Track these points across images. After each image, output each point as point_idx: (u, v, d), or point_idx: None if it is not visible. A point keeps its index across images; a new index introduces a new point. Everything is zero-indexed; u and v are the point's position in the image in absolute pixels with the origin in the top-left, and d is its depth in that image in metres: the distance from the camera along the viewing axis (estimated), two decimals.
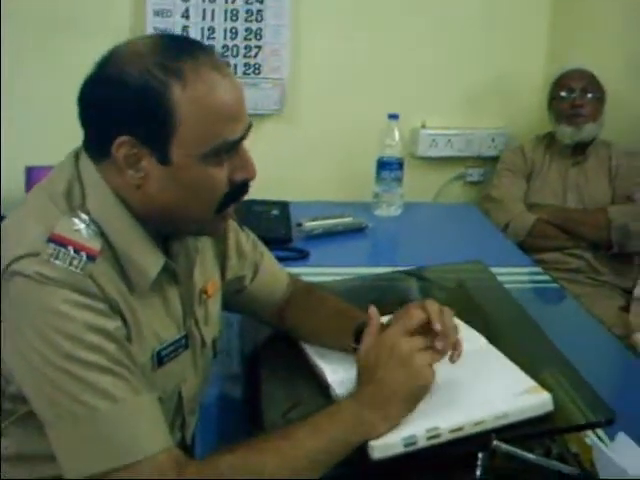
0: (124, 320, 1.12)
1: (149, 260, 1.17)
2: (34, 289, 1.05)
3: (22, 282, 1.05)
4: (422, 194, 3.05)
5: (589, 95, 2.77)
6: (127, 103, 1.09)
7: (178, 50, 1.11)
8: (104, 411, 1.04)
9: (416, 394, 1.17)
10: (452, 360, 1.21)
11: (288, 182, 2.85)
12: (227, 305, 1.47)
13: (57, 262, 1.06)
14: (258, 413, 1.32)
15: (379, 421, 1.14)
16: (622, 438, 1.20)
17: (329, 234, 2.39)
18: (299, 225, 2.38)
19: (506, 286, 1.80)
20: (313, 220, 2.41)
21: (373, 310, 1.29)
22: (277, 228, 2.36)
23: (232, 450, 1.10)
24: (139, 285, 1.15)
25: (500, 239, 2.54)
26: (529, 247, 2.64)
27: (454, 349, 1.21)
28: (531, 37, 3.09)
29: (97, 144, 1.14)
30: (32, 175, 2.63)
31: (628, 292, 2.71)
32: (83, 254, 1.08)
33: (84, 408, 1.03)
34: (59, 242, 1.07)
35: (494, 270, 1.88)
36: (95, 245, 1.10)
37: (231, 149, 1.14)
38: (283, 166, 2.92)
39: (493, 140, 3.13)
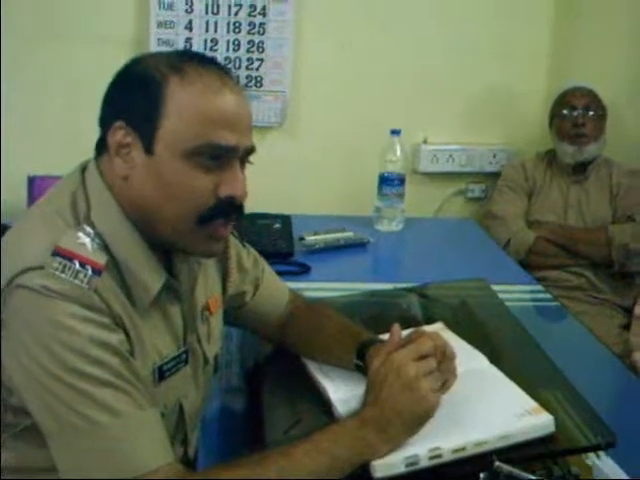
0: (127, 335, 1.12)
1: (151, 275, 1.16)
2: (39, 302, 1.04)
3: (26, 295, 1.05)
4: (423, 209, 3.06)
5: (591, 113, 2.77)
6: (127, 90, 1.14)
7: (190, 57, 1.15)
8: (106, 425, 1.03)
9: (419, 418, 1.16)
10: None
11: (289, 195, 2.86)
12: (228, 320, 1.47)
13: (62, 276, 1.05)
14: (260, 430, 1.31)
15: (380, 443, 1.13)
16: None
17: (330, 248, 2.39)
18: (301, 239, 2.38)
19: (507, 304, 1.80)
20: (315, 234, 2.41)
21: (396, 328, 1.29)
22: (279, 242, 2.36)
23: (232, 465, 1.10)
24: (141, 301, 1.15)
25: (501, 256, 2.54)
26: (530, 264, 2.64)
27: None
28: (533, 53, 3.10)
29: (101, 135, 1.17)
30: (34, 184, 2.62)
31: (628, 311, 2.70)
32: (89, 268, 1.07)
33: (86, 421, 1.03)
34: (65, 256, 1.07)
35: (495, 288, 1.88)
36: (100, 259, 1.09)
37: (218, 156, 1.12)
38: (284, 179, 2.93)
39: (494, 156, 3.14)
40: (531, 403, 1.24)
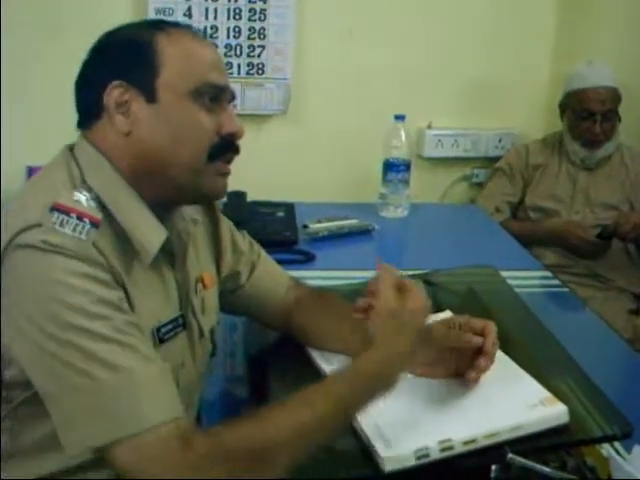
0: (126, 293, 1.11)
1: (151, 233, 1.17)
2: (38, 259, 1.04)
3: (26, 253, 1.04)
4: (428, 195, 3.02)
5: (609, 118, 2.70)
6: (116, 53, 1.18)
7: (164, 22, 1.22)
8: (107, 380, 1.01)
9: (413, 319, 1.20)
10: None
11: (292, 183, 2.83)
12: (228, 306, 1.46)
13: (61, 229, 1.05)
14: None
15: (395, 356, 1.16)
16: (639, 451, 1.17)
17: (335, 236, 2.36)
18: (305, 227, 2.35)
19: (515, 290, 1.77)
20: (319, 222, 2.37)
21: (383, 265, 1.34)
22: (283, 230, 2.32)
23: (243, 420, 1.07)
24: (139, 260, 1.15)
25: (508, 241, 2.50)
26: None
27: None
28: (537, 37, 3.06)
29: (90, 105, 1.18)
30: (33, 174, 2.58)
31: (637, 296, 2.69)
32: (86, 221, 1.08)
33: (86, 378, 1.01)
34: (62, 210, 1.07)
35: (502, 274, 1.85)
36: (97, 214, 1.10)
37: (215, 97, 1.19)
38: (287, 167, 2.90)
39: (500, 140, 3.11)
40: (545, 393, 1.22)
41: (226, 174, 1.24)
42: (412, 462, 1.10)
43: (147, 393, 1.03)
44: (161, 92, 1.16)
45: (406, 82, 2.97)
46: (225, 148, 1.21)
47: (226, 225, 1.45)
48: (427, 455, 1.11)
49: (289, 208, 2.50)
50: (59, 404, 1.04)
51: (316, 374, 1.37)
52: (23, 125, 2.70)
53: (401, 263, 2.23)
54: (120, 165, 1.16)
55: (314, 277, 1.88)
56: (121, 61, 1.17)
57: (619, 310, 2.58)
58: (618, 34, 2.85)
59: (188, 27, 1.23)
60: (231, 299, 1.47)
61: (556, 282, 2.14)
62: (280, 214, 2.44)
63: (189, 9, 2.78)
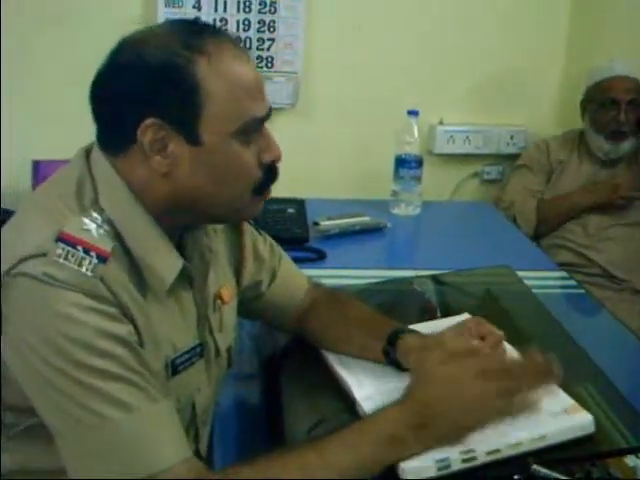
0: (135, 326, 1.06)
1: (166, 263, 1.12)
2: (41, 292, 0.99)
3: (28, 284, 1.00)
4: (438, 192, 2.99)
5: (634, 109, 2.67)
6: (150, 83, 1.05)
7: (196, 29, 1.09)
8: (116, 420, 0.99)
9: (467, 426, 1.10)
10: None
11: (302, 178, 2.78)
12: (245, 312, 1.42)
13: (66, 263, 1.00)
14: (279, 427, 1.26)
15: (415, 441, 1.07)
16: None
17: (346, 234, 2.32)
18: (316, 224, 2.31)
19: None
20: (330, 219, 2.34)
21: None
22: (293, 227, 2.29)
23: (254, 462, 1.05)
24: (155, 290, 1.10)
25: (521, 240, 2.48)
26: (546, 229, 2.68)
27: None
28: (551, 34, 3.02)
29: (117, 135, 1.09)
30: (38, 169, 2.60)
31: None
32: (94, 255, 1.02)
33: (95, 417, 0.98)
34: (68, 242, 1.02)
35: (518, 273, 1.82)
36: (106, 246, 1.04)
37: (258, 128, 1.11)
38: (297, 162, 2.83)
39: (512, 137, 3.06)
40: (569, 401, 1.18)
41: (266, 199, 1.19)
42: (433, 473, 1.07)
43: (159, 433, 1.02)
44: (205, 134, 1.06)
45: (417, 77, 2.93)
46: (270, 177, 1.15)
47: (249, 232, 1.39)
48: (448, 466, 1.07)
49: (299, 204, 2.46)
50: (67, 442, 1.01)
51: (333, 383, 1.33)
52: (29, 118, 2.67)
53: (414, 262, 2.22)
54: (146, 197, 1.10)
55: (325, 276, 1.84)
56: (156, 93, 1.05)
57: (633, 311, 2.54)
58: (632, 33, 2.81)
59: (224, 35, 1.11)
60: (249, 306, 1.43)
61: (572, 283, 2.11)
62: (290, 211, 2.41)
63: (198, 1, 2.74)
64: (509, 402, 1.12)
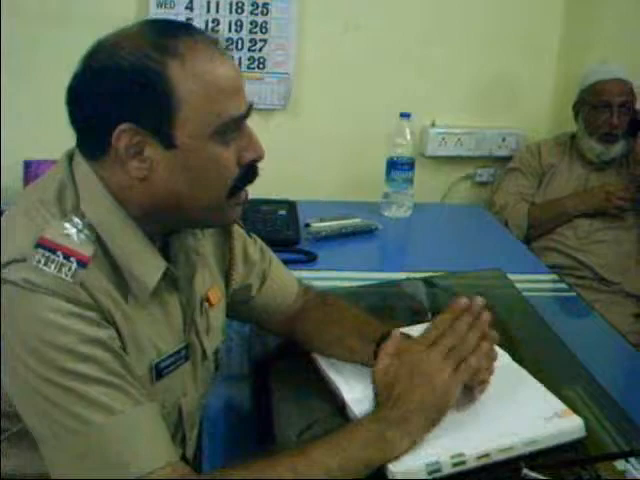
0: (118, 331, 1.06)
1: (148, 266, 1.10)
2: (21, 297, 0.99)
3: (9, 290, 0.99)
4: (429, 194, 2.98)
5: (626, 111, 2.68)
6: (123, 88, 1.03)
7: (169, 29, 1.07)
8: (100, 424, 0.98)
9: (438, 408, 1.12)
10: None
11: (293, 180, 2.79)
12: (234, 315, 1.42)
13: (46, 268, 0.99)
14: (269, 430, 1.25)
15: (399, 439, 1.09)
16: None
17: (337, 236, 2.31)
18: (307, 226, 2.31)
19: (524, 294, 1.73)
20: (321, 221, 2.33)
21: (397, 332, 1.27)
22: (284, 229, 2.28)
23: (243, 466, 1.04)
24: (137, 293, 1.09)
25: (512, 243, 2.48)
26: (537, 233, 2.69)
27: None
28: (544, 36, 3.01)
29: (93, 140, 1.08)
30: (30, 168, 2.60)
31: None
32: (73, 260, 1.01)
33: (78, 422, 0.98)
34: (48, 247, 1.01)
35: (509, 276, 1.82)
36: (87, 251, 1.03)
37: (237, 127, 1.09)
38: (288, 164, 2.85)
39: (504, 140, 3.06)
40: (560, 405, 1.18)
41: (244, 202, 1.16)
42: (423, 477, 1.07)
43: (143, 436, 1.01)
44: (180, 138, 1.05)
45: (409, 79, 2.92)
46: (246, 178, 1.13)
47: (238, 235, 1.37)
48: (439, 470, 1.07)
49: (291, 206, 2.45)
50: (51, 447, 1.00)
51: (324, 386, 1.33)
52: (21, 118, 2.65)
53: (405, 264, 2.21)
54: (127, 202, 1.08)
55: (316, 278, 1.84)
56: (129, 98, 1.03)
57: (624, 314, 2.55)
58: (625, 36, 2.81)
59: (199, 34, 1.08)
60: (238, 309, 1.42)
61: (563, 286, 2.11)
62: (281, 212, 2.39)
63: (191, 2, 2.73)
64: (464, 367, 1.15)
